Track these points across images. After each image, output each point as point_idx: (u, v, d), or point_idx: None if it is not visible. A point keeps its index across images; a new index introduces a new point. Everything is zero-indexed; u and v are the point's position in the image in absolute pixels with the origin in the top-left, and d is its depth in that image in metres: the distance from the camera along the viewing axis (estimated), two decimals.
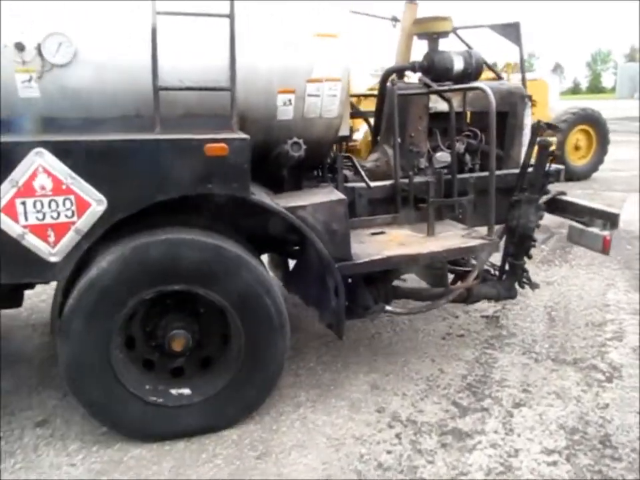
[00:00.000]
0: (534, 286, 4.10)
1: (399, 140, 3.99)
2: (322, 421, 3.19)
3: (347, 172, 4.01)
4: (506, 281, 4.04)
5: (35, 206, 2.58)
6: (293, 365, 3.75)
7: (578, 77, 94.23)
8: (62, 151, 2.58)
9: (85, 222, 2.66)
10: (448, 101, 4.02)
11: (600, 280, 5.54)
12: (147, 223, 2.81)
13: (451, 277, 3.98)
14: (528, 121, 4.58)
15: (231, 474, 2.78)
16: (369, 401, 3.39)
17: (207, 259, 2.83)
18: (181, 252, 2.79)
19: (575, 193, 7.68)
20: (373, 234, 3.74)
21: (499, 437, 3.06)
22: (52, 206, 2.60)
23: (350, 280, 3.35)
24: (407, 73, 4.51)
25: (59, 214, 2.62)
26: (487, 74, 5.37)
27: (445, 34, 4.23)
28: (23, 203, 2.56)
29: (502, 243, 3.93)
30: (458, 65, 4.08)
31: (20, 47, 2.69)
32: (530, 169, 3.89)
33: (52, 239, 2.64)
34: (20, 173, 2.53)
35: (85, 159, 2.62)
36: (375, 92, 4.52)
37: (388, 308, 3.53)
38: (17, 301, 3.52)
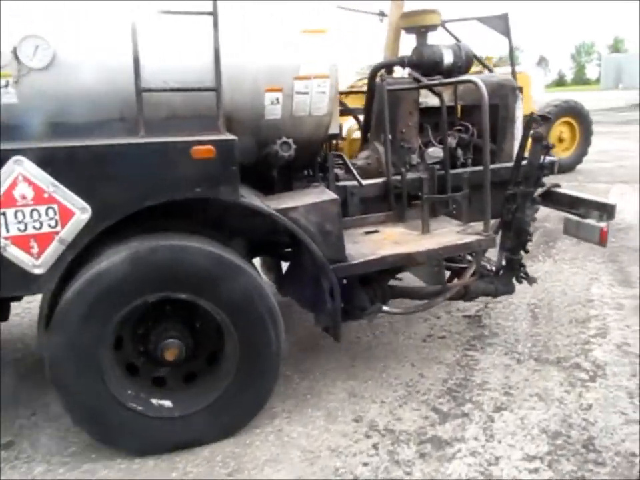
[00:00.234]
0: (532, 280, 4.05)
1: (389, 136, 3.92)
2: (297, 433, 3.09)
3: (337, 170, 3.94)
4: (503, 276, 3.98)
5: (16, 216, 2.48)
6: None
7: (563, 69, 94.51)
8: (43, 158, 2.48)
9: (69, 231, 2.57)
10: (439, 95, 3.96)
11: (584, 274, 5.47)
12: (134, 229, 2.73)
13: (447, 273, 3.91)
14: (519, 113, 4.53)
15: None
16: (346, 410, 3.29)
17: (206, 266, 2.76)
18: (182, 258, 2.72)
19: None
20: (367, 233, 3.67)
21: (479, 444, 2.95)
22: (34, 216, 2.51)
23: (345, 281, 3.28)
24: (395, 67, 4.45)
25: (41, 224, 2.53)
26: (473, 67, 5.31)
27: (433, 27, 4.18)
28: (3, 214, 2.47)
29: (497, 238, 3.86)
30: (447, 59, 4.04)
31: None
32: (524, 162, 3.83)
33: (35, 250, 2.55)
34: None
35: (67, 166, 2.53)
36: (356, 89, 4.46)
37: (385, 308, 3.46)
38: (2, 314, 3.41)
